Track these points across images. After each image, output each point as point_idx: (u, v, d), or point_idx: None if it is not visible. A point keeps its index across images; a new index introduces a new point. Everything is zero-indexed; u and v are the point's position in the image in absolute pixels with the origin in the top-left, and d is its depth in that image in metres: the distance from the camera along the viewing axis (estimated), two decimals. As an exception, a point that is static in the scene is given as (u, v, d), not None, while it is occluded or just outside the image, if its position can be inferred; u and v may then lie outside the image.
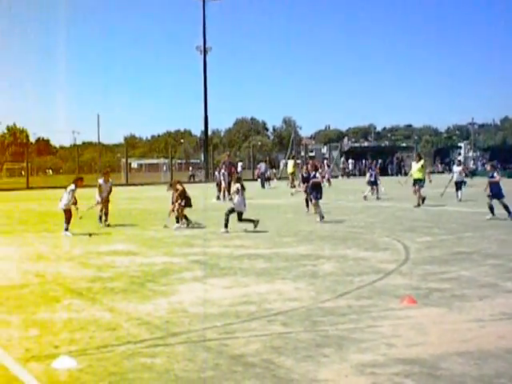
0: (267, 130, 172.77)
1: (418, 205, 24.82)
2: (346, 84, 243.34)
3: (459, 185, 29.06)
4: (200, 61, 71.00)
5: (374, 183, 31.68)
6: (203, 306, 8.71)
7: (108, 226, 19.62)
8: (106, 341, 7.10)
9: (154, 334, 7.36)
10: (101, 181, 20.40)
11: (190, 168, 66.59)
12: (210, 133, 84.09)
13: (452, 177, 29.95)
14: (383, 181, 33.87)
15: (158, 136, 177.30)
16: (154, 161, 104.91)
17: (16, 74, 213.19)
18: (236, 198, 17.85)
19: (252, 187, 41.23)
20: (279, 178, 58.89)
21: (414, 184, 25.77)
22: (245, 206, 17.96)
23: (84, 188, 19.22)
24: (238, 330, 7.44)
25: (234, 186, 18.56)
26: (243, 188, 17.86)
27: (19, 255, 14.32)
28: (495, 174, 20.45)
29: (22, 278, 11.48)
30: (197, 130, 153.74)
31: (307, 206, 22.64)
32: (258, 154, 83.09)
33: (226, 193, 32.54)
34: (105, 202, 19.92)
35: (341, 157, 71.93)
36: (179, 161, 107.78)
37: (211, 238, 16.60)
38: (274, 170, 62.83)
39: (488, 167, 22.13)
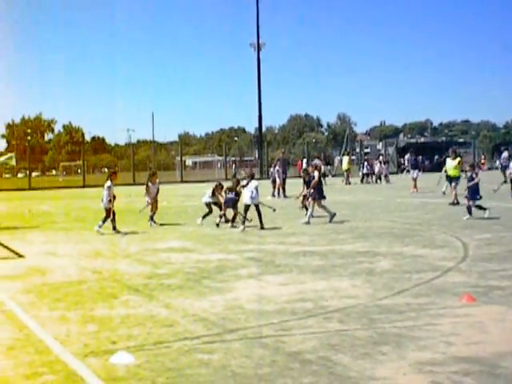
0: (321, 126, 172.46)
1: (453, 203, 23.93)
2: (401, 79, 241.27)
3: None
4: (254, 57, 71.17)
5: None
6: (259, 303, 8.69)
7: (155, 224, 19.81)
8: (163, 337, 7.13)
9: (211, 330, 7.36)
10: (149, 183, 20.66)
11: (233, 166, 66.39)
12: (263, 130, 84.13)
13: (510, 173, 29.19)
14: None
15: (212, 133, 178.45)
16: (208, 158, 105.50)
17: (72, 74, 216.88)
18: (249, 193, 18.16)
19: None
20: (334, 175, 58.67)
21: (451, 182, 25.04)
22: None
23: (137, 186, 19.32)
24: (294, 326, 7.40)
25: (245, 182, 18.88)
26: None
27: (77, 252, 14.53)
28: (474, 176, 19.96)
29: (79, 274, 11.64)
30: (251, 127, 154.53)
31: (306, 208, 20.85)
32: (313, 150, 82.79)
33: (281, 189, 32.61)
34: (153, 202, 20.15)
35: (397, 153, 71.25)
36: (233, 158, 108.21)
37: (266, 234, 16.59)
38: (328, 167, 62.60)
39: (467, 168, 21.35)
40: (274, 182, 33.47)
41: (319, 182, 19.73)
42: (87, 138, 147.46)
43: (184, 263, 12.39)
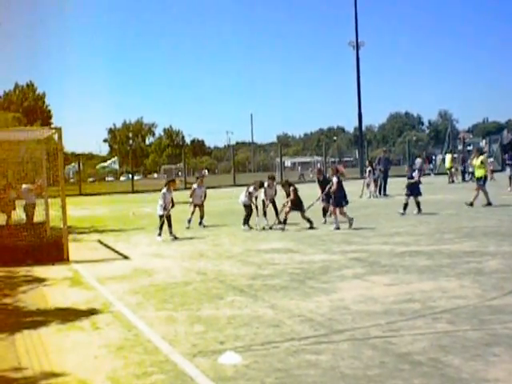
0: (422, 124, 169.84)
1: (471, 204, 22.95)
2: (503, 73, 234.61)
3: None
4: (353, 56, 70.65)
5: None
6: (365, 304, 8.61)
7: (204, 226, 20.41)
8: (269, 337, 7.16)
9: (318, 331, 7.34)
10: (195, 185, 20.97)
11: (299, 168, 65.45)
12: (363, 129, 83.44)
13: None
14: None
15: (311, 134, 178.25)
16: (307, 159, 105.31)
17: (171, 78, 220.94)
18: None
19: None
20: (436, 174, 57.63)
21: (478, 182, 24.11)
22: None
23: (238, 187, 19.34)
24: (402, 327, 7.29)
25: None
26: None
27: (180, 253, 14.77)
28: (414, 174, 19.87)
29: (184, 275, 11.82)
30: (350, 126, 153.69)
31: (324, 215, 20.14)
32: (414, 149, 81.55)
33: (382, 189, 32.32)
34: (200, 205, 20.79)
35: (501, 150, 69.34)
36: (332, 158, 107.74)
37: (369, 235, 16.40)
38: (430, 165, 61.62)
39: (406, 168, 21.31)
40: (374, 181, 33.13)
41: (340, 188, 18.72)
42: (187, 140, 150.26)
43: (288, 264, 12.41)
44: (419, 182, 20.78)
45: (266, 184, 19.68)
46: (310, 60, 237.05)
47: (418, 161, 50.14)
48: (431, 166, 64.98)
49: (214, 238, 17.47)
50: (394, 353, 6.37)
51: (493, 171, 47.87)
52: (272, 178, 20.45)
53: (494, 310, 7.92)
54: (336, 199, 18.38)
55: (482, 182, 23.97)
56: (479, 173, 24.32)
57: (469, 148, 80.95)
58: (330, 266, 11.90)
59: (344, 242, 15.17)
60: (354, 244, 14.82)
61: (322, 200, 19.78)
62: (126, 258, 14.56)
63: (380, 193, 32.40)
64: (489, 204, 22.96)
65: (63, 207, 14.60)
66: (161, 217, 17.89)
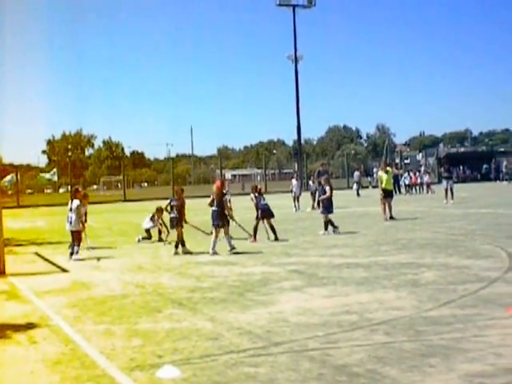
0: (361, 137, 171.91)
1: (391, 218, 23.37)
2: (440, 88, 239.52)
3: None
4: (292, 70, 71.23)
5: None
6: (304, 316, 8.65)
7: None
8: (208, 350, 7.13)
9: (256, 343, 7.34)
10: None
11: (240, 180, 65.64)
12: (302, 142, 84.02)
13: None
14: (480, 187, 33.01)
15: (251, 146, 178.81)
16: (248, 171, 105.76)
17: (111, 89, 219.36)
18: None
19: (347, 195, 41.12)
20: (374, 186, 58.38)
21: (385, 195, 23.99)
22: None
23: (167, 200, 19.04)
24: (340, 339, 7.34)
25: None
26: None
27: (119, 266, 14.64)
28: (327, 189, 19.47)
29: (123, 288, 11.72)
30: (289, 139, 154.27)
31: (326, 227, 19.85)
32: (352, 162, 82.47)
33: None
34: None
35: (437, 163, 70.68)
36: (272, 171, 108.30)
37: (308, 247, 16.53)
38: (368, 178, 62.42)
39: (322, 181, 20.55)
40: (312, 194, 33.48)
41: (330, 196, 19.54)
42: (127, 152, 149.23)
43: (227, 276, 12.40)
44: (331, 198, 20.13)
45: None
46: (249, 73, 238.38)
47: (357, 174, 50.70)
48: (369, 178, 65.87)
49: (153, 251, 17.38)
50: (332, 365, 6.41)
51: (429, 184, 48.94)
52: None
53: (429, 321, 8.04)
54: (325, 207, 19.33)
55: (388, 195, 24.06)
56: (389, 186, 24.27)
57: (406, 161, 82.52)
58: (269, 278, 11.94)
59: (283, 254, 15.25)
60: (293, 256, 14.91)
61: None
62: (64, 270, 14.36)
63: (318, 205, 32.62)
64: (389, 218, 23.31)
65: (-1, 219, 14.33)
66: (73, 232, 16.78)
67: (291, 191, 34.13)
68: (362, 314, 8.61)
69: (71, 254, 16.44)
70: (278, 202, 38.48)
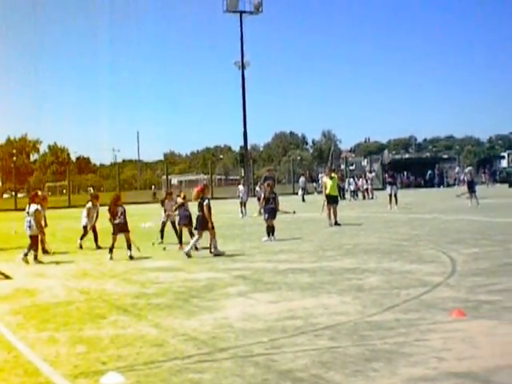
0: (307, 143, 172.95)
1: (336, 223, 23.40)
2: (385, 95, 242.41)
3: None
4: (239, 76, 71.34)
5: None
6: (249, 321, 8.65)
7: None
8: (153, 357, 7.08)
9: (201, 349, 7.32)
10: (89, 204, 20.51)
11: (153, 187, 65.00)
12: (249, 148, 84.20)
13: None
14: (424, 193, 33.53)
15: (198, 152, 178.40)
16: (194, 177, 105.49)
17: (56, 93, 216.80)
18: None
19: (292, 201, 41.27)
20: (319, 192, 58.76)
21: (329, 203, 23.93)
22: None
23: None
24: (285, 344, 7.36)
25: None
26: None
27: (64, 273, 14.46)
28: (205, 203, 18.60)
29: (67, 295, 11.59)
30: (236, 145, 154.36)
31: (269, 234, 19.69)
32: (298, 168, 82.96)
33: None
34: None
35: (382, 169, 71.55)
36: (219, 177, 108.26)
37: (254, 253, 16.56)
38: (314, 184, 62.84)
39: (266, 187, 20.46)
40: (259, 199, 33.59)
41: (268, 201, 19.64)
42: (72, 158, 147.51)
43: (172, 282, 12.34)
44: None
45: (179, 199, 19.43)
46: (197, 79, 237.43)
47: (302, 180, 50.99)
48: (315, 184, 66.28)
49: (98, 257, 17.20)
50: (276, 370, 6.42)
51: (373, 190, 49.52)
52: (169, 194, 20.58)
53: (373, 326, 8.11)
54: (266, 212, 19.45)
55: (333, 201, 24.03)
56: (333, 191, 24.21)
57: (351, 167, 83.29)
58: (214, 283, 11.92)
59: (229, 260, 15.24)
60: (239, 262, 14.92)
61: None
62: (7, 277, 14.10)
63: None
64: (334, 223, 23.41)
65: None
66: (32, 237, 16.68)
67: (238, 197, 34.17)
68: (306, 319, 8.64)
69: (25, 254, 16.46)
70: (224, 207, 38.55)
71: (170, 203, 20.30)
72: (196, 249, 16.98)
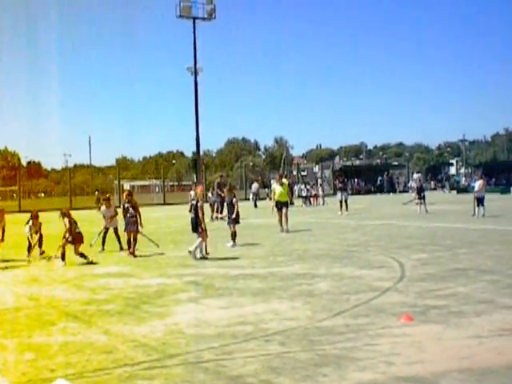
0: (259, 149, 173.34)
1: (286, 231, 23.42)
2: (336, 103, 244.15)
3: (481, 200, 27.70)
4: (191, 81, 71.13)
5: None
6: (199, 327, 8.65)
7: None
8: (102, 364, 7.03)
9: (151, 356, 7.29)
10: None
11: (96, 192, 64.29)
12: (201, 153, 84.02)
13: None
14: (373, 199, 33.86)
15: (150, 157, 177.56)
16: (146, 182, 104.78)
17: (6, 96, 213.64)
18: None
19: (244, 207, 41.28)
20: (271, 198, 58.87)
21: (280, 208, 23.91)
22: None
23: (74, 210, 18.81)
24: (235, 350, 7.38)
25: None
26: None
27: (12, 279, 14.27)
28: (234, 201, 19.07)
29: (16, 301, 11.45)
30: (189, 151, 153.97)
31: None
32: (250, 173, 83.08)
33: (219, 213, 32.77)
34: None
35: (333, 176, 72.03)
36: (171, 182, 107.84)
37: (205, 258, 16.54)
38: (266, 190, 62.94)
39: (226, 192, 20.15)
40: (211, 205, 33.60)
41: (233, 206, 19.69)
42: (23, 162, 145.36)
43: (123, 288, 12.27)
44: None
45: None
46: (150, 84, 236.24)
47: (255, 186, 51.09)
48: (267, 190, 66.37)
49: (48, 263, 17.00)
50: (226, 375, 6.43)
51: (324, 196, 49.85)
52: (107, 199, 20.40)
53: (323, 331, 8.17)
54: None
55: (283, 206, 23.95)
56: (282, 198, 24.12)
57: (303, 173, 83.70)
58: (165, 289, 11.88)
59: (180, 266, 15.20)
60: (191, 267, 14.88)
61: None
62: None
63: (216, 217, 32.79)
64: (285, 230, 23.40)
65: None
66: None
67: (190, 202, 34.03)
68: (257, 324, 8.67)
69: None
70: (176, 213, 38.40)
71: (109, 209, 20.21)
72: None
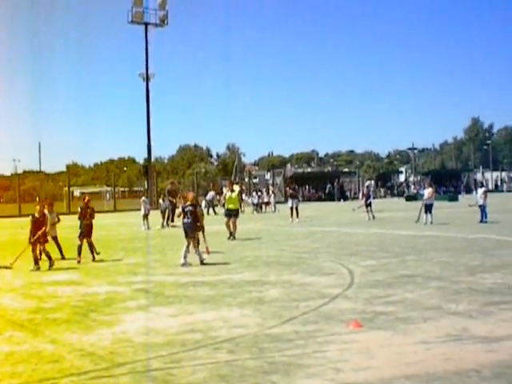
0: (211, 156, 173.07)
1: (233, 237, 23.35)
2: (288, 110, 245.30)
3: (429, 208, 28.18)
4: (143, 88, 70.84)
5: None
6: (148, 335, 8.59)
7: None
8: (48, 373, 6.93)
9: (98, 365, 7.21)
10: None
11: (37, 198, 63.36)
12: (153, 160, 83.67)
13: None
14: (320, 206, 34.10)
15: (101, 164, 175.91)
16: (97, 189, 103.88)
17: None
18: None
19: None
20: (223, 205, 58.85)
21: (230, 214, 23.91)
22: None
23: (23, 217, 18.59)
24: (184, 358, 7.34)
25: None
26: None
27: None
28: (200, 209, 18.30)
29: (-40, 310, 11.21)
30: (140, 157, 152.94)
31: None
32: (202, 180, 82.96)
33: (170, 220, 32.72)
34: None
35: (284, 183, 72.27)
36: (122, 189, 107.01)
37: (156, 266, 16.45)
38: (218, 197, 62.87)
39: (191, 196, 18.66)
40: (162, 212, 33.50)
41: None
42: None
43: (71, 296, 12.12)
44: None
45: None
46: (100, 89, 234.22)
47: (211, 193, 50.90)
48: (218, 197, 66.30)
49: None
50: (175, 384, 6.41)
51: (275, 203, 50.03)
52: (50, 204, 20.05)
53: (272, 338, 8.18)
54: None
55: (233, 214, 23.94)
56: (232, 205, 24.15)
57: (255, 180, 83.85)
58: (114, 297, 11.78)
59: (130, 273, 15.08)
60: (140, 275, 14.79)
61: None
62: None
63: (168, 224, 32.73)
64: (232, 237, 23.36)
65: None
66: None
67: (141, 209, 33.87)
68: (206, 332, 8.65)
69: None
70: (127, 220, 38.15)
71: (50, 215, 19.82)
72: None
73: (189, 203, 16.68)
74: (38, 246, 16.60)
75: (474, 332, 8.22)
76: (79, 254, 17.85)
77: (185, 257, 16.21)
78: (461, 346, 7.54)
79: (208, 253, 16.82)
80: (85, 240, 18.11)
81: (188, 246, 16.38)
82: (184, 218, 16.55)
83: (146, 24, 70.30)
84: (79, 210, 18.80)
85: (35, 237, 16.49)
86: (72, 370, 7.01)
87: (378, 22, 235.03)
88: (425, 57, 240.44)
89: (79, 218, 18.49)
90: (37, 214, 16.76)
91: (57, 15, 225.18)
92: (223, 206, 24.26)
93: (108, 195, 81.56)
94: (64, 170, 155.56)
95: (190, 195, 17.30)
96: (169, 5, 71.72)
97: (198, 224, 16.82)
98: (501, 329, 8.37)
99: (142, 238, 27.08)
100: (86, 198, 19.25)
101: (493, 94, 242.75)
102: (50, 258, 16.64)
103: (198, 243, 16.69)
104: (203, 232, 17.15)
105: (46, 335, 8.88)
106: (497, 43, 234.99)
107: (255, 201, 49.83)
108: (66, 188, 68.21)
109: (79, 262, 17.52)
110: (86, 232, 18.21)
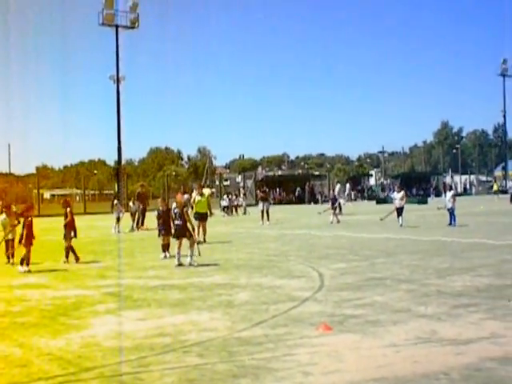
0: (182, 159, 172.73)
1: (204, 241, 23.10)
2: (259, 114, 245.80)
3: (400, 211, 28.38)
4: (113, 90, 70.49)
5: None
6: (117, 340, 8.54)
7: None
8: (15, 378, 6.87)
9: (66, 369, 7.15)
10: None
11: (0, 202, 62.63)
12: (123, 162, 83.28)
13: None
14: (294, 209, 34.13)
15: (71, 166, 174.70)
16: (67, 191, 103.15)
17: None
18: None
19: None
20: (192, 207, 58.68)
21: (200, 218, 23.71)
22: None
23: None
24: (152, 362, 7.31)
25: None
26: None
27: None
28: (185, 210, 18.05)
29: None
30: (111, 159, 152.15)
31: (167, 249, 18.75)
32: (174, 183, 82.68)
33: (140, 224, 32.65)
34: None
35: (255, 185, 72.28)
36: (92, 191, 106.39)
37: (125, 269, 16.34)
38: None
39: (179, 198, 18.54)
40: (132, 215, 33.36)
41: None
42: None
43: (39, 300, 12.02)
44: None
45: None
46: (70, 91, 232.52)
47: (186, 197, 50.74)
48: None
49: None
50: (143, 388, 6.37)
51: (245, 206, 50.07)
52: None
53: (242, 342, 8.17)
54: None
55: (202, 217, 23.81)
56: (201, 209, 23.96)
57: (226, 183, 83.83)
58: (83, 301, 11.69)
59: (99, 277, 14.98)
60: (109, 278, 14.70)
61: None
62: None
63: (137, 227, 32.62)
64: (202, 241, 23.03)
65: None
66: None
67: (112, 212, 33.71)
68: (175, 336, 8.62)
69: None
70: (97, 223, 37.89)
71: (10, 218, 19.53)
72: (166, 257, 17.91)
73: (175, 205, 17.04)
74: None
75: (442, 335, 8.28)
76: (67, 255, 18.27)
77: (178, 258, 16.52)
78: (430, 349, 7.59)
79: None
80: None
81: (179, 248, 16.66)
82: (175, 220, 16.90)
83: (117, 26, 69.98)
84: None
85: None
86: (40, 375, 6.95)
87: (346, 24, 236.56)
88: (394, 61, 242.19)
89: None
90: None
91: (28, 17, 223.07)
92: (191, 208, 24.04)
93: (78, 198, 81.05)
94: (34, 172, 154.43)
95: (179, 198, 17.46)
96: (140, 7, 71.59)
97: (189, 225, 17.07)
98: (469, 331, 8.44)
99: (111, 240, 26.93)
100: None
101: (462, 98, 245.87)
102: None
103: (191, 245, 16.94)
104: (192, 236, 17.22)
105: (14, 339, 8.79)
106: (467, 47, 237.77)
107: (225, 203, 49.77)
108: (36, 190, 67.42)
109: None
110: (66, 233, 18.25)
